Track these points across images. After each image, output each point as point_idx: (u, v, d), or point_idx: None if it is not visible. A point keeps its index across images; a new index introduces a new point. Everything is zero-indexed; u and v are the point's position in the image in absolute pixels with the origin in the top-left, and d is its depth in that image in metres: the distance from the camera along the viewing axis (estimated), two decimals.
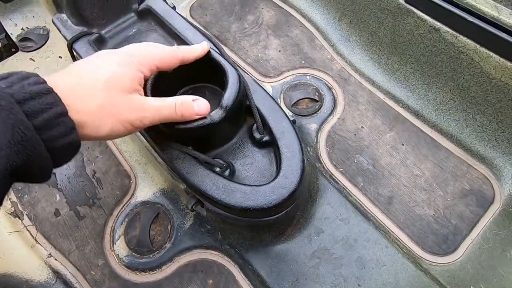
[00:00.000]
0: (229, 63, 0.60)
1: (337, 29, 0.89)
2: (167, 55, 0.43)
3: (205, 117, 0.53)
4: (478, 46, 0.61)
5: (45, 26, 1.03)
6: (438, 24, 0.64)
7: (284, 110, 0.76)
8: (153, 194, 0.71)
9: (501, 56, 0.58)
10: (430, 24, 0.65)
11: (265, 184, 0.53)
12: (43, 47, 0.98)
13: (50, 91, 0.27)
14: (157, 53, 0.41)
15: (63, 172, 0.76)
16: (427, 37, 0.68)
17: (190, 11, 1.01)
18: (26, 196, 0.74)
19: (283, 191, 0.52)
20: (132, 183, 0.74)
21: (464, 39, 0.62)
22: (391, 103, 0.79)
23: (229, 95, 0.55)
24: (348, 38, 0.87)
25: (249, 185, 0.54)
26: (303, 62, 0.88)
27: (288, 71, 0.87)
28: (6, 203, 0.74)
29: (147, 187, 0.72)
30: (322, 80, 0.84)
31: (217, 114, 0.54)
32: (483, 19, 0.58)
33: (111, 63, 0.34)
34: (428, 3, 0.64)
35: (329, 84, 0.83)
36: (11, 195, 0.74)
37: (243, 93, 0.58)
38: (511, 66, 0.58)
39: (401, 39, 0.74)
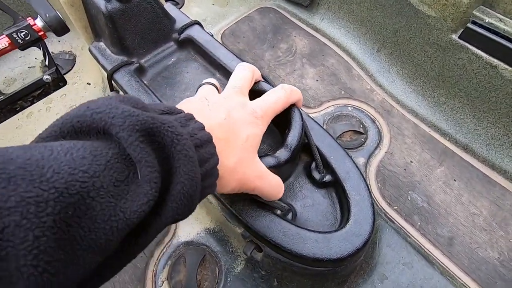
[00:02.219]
0: None
1: (375, 60, 0.88)
2: (282, 104, 0.43)
3: (270, 159, 0.50)
4: None
5: (71, 51, 1.00)
6: (495, 61, 0.63)
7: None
8: (197, 233, 0.66)
9: None
10: (486, 61, 0.65)
11: (335, 231, 0.50)
12: (69, 72, 0.95)
13: (211, 140, 0.26)
14: (274, 106, 0.41)
15: None
16: (481, 73, 0.67)
17: (221, 38, 1.00)
18: None
19: (357, 240, 0.48)
20: None
21: None
22: (437, 136, 0.77)
23: (293, 135, 0.53)
24: (388, 69, 0.86)
25: (319, 232, 0.50)
26: (342, 92, 0.86)
27: (328, 101, 0.85)
28: None
29: (190, 226, 0.67)
30: (364, 112, 0.82)
31: (284, 155, 0.51)
32: None
33: (246, 121, 0.34)
34: (485, 40, 0.63)
35: (372, 116, 0.81)
36: None
37: (304, 131, 0.56)
38: None
39: (450, 73, 0.73)
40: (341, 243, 0.48)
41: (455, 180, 0.71)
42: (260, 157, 0.51)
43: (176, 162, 0.21)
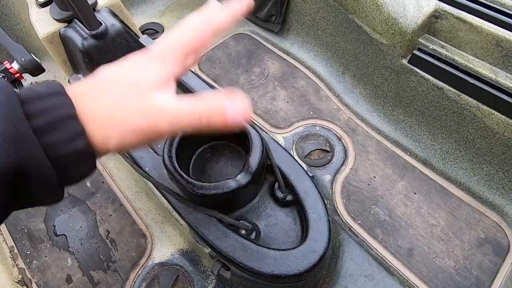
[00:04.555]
0: (250, 125, 0.63)
1: (341, 81, 0.95)
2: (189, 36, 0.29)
3: (231, 183, 0.54)
4: (480, 104, 0.66)
5: (54, 81, 1.04)
6: (441, 84, 0.70)
7: (300, 164, 0.77)
8: (171, 255, 0.69)
9: (502, 114, 0.63)
10: (433, 83, 0.71)
11: (294, 248, 0.54)
12: None
13: (61, 93, 0.23)
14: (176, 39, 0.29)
15: (75, 234, 0.73)
16: (430, 94, 0.73)
17: (198, 64, 1.06)
18: (35, 261, 0.70)
19: (313, 256, 0.52)
20: (148, 242, 0.72)
21: (466, 97, 0.67)
22: (399, 151, 0.82)
23: (253, 159, 0.57)
24: (352, 90, 0.92)
25: (278, 250, 0.53)
26: (311, 113, 0.92)
27: (298, 121, 0.90)
28: (13, 270, 0.70)
29: (164, 247, 0.70)
30: (331, 131, 0.87)
31: (244, 178, 0.56)
32: (482, 80, 0.64)
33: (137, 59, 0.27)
34: (430, 65, 0.69)
35: (338, 134, 0.87)
36: (18, 261, 0.71)
37: (265, 154, 0.60)
38: None
39: (405, 94, 0.79)
40: (298, 260, 0.52)
41: (415, 193, 0.76)
42: (221, 180, 0.55)
43: None
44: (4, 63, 0.51)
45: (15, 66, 0.52)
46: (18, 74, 0.52)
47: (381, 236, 0.70)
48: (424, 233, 0.70)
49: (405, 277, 0.65)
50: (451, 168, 0.77)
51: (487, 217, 0.72)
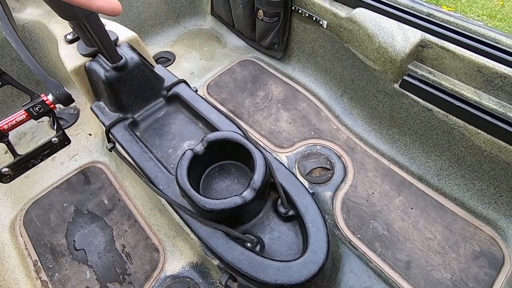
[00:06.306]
0: (255, 146, 0.69)
1: (340, 103, 1.01)
2: None
3: (237, 199, 0.60)
4: (467, 124, 0.71)
5: (75, 106, 1.14)
6: (430, 106, 0.75)
7: (302, 181, 0.83)
8: (182, 267, 0.74)
9: (488, 133, 0.68)
10: (423, 105, 0.77)
11: (295, 260, 0.58)
12: (73, 125, 1.08)
13: None
14: None
15: (93, 248, 0.79)
16: (421, 115, 0.79)
17: (207, 89, 1.14)
18: (56, 274, 0.76)
19: (313, 266, 0.57)
20: (161, 256, 0.77)
21: (454, 118, 0.72)
22: (396, 169, 0.87)
23: (257, 177, 0.63)
24: (351, 111, 0.98)
25: (281, 261, 0.58)
26: (312, 133, 0.98)
27: (300, 141, 0.96)
28: (37, 282, 0.76)
29: (176, 261, 0.75)
30: (331, 150, 0.93)
31: (249, 195, 0.61)
32: (467, 103, 0.70)
33: None
34: (419, 89, 0.75)
35: (338, 153, 0.92)
36: (41, 274, 0.77)
37: (268, 173, 0.66)
38: (498, 141, 0.67)
39: (398, 115, 0.85)
40: (299, 270, 0.56)
41: (412, 208, 0.80)
42: (228, 197, 0.61)
43: None
44: (41, 95, 0.60)
45: (50, 98, 0.60)
46: (52, 105, 0.60)
47: (380, 249, 0.74)
48: (421, 246, 0.74)
49: None
50: (446, 184, 0.81)
51: (481, 230, 0.75)
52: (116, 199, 0.87)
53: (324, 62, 1.03)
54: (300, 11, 0.97)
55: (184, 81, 0.92)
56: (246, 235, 0.63)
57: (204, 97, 0.91)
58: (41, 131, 1.06)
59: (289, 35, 1.10)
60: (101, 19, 0.95)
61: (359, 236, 0.76)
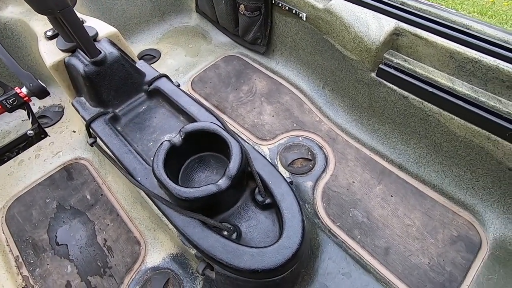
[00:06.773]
0: (232, 136, 0.69)
1: (322, 95, 1.02)
2: None
3: (212, 187, 0.60)
4: (441, 110, 0.72)
5: (60, 104, 1.14)
6: (406, 93, 0.76)
7: (282, 171, 0.84)
8: (162, 259, 0.74)
9: (461, 118, 0.69)
10: (399, 93, 0.77)
11: (270, 246, 0.58)
12: (58, 123, 1.08)
13: None
14: None
15: (75, 243, 0.79)
16: (398, 103, 0.80)
17: (191, 84, 1.15)
18: (38, 269, 0.76)
19: (287, 251, 0.57)
20: (142, 249, 0.77)
21: (429, 104, 0.73)
22: (376, 158, 0.88)
23: (233, 166, 0.63)
24: (332, 102, 0.99)
25: (256, 247, 0.58)
26: (294, 125, 0.98)
27: (282, 134, 0.97)
28: (18, 277, 0.76)
29: (156, 253, 0.75)
30: (313, 141, 0.94)
31: (224, 183, 0.62)
32: (441, 89, 0.70)
33: None
34: (395, 77, 0.76)
35: (319, 144, 0.93)
36: (23, 269, 0.76)
37: (245, 162, 0.67)
38: (471, 126, 0.68)
39: (377, 104, 0.85)
40: (273, 256, 0.57)
41: (392, 196, 0.81)
42: (203, 185, 0.61)
43: None
44: (15, 88, 0.60)
45: (24, 91, 0.60)
46: (26, 98, 0.60)
47: (359, 236, 0.74)
48: (400, 233, 0.74)
49: (381, 275, 0.68)
50: (425, 171, 0.82)
51: (460, 216, 0.76)
52: (99, 194, 0.88)
53: (306, 55, 1.03)
54: (280, 4, 0.98)
55: (166, 76, 0.92)
56: (223, 223, 0.63)
57: (186, 91, 0.91)
58: (26, 130, 1.06)
59: (271, 29, 1.10)
60: (83, 15, 0.96)
61: (338, 224, 0.76)
